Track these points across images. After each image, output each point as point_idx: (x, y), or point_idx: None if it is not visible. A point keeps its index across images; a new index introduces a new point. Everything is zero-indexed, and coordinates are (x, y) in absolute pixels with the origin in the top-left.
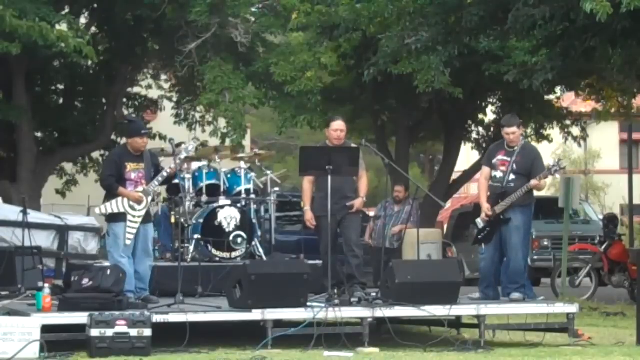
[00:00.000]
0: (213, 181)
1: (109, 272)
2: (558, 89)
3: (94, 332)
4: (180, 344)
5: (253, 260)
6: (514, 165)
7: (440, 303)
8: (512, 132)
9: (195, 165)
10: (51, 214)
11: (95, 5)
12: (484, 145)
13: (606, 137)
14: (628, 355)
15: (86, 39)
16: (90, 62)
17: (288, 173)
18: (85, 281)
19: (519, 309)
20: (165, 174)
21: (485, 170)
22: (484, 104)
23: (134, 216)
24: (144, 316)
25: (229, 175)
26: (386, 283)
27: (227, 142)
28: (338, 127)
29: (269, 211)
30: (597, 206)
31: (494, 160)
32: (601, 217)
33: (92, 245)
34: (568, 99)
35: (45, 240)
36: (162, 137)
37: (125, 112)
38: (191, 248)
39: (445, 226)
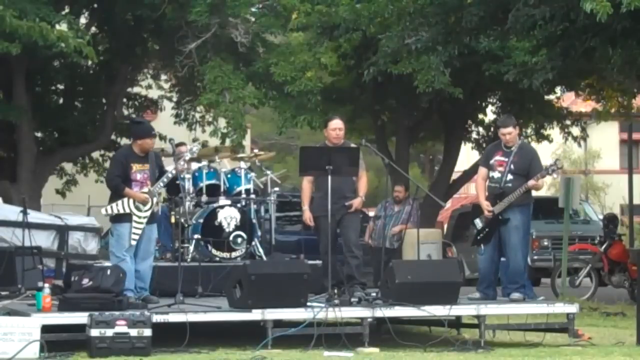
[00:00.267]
0: (213, 181)
1: (109, 272)
2: (558, 89)
3: (94, 332)
4: (180, 344)
5: (253, 260)
6: (512, 166)
7: (440, 303)
8: (508, 133)
9: (195, 165)
10: (51, 214)
11: (95, 5)
12: (484, 145)
13: (606, 137)
14: (628, 355)
15: (86, 39)
16: (90, 62)
17: (288, 173)
18: (85, 281)
19: (519, 309)
20: (170, 175)
21: (483, 171)
22: (484, 104)
23: (139, 217)
24: (144, 316)
25: (229, 175)
26: (386, 283)
27: (227, 142)
28: (336, 126)
29: (269, 211)
30: (597, 206)
31: (492, 161)
32: (601, 217)
33: (92, 245)
34: (568, 99)
35: (45, 240)
36: (162, 137)
37: (125, 112)
38: (191, 248)
39: (445, 226)
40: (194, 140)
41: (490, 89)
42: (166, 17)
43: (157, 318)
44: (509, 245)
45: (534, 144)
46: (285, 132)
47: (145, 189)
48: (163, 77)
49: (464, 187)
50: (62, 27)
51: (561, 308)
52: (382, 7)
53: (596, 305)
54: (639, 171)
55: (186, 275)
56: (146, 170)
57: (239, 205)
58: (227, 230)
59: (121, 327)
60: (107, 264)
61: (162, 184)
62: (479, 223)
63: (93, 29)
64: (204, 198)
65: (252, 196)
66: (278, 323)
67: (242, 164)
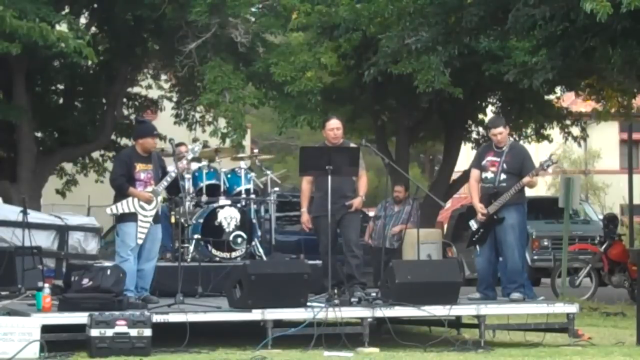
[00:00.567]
0: (213, 181)
1: (109, 272)
2: (558, 89)
3: (94, 332)
4: (180, 344)
5: (253, 260)
6: (504, 165)
7: (440, 303)
8: (499, 133)
9: (195, 165)
10: (51, 214)
11: (95, 5)
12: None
13: (606, 137)
14: (628, 355)
15: (86, 39)
16: (90, 62)
17: (288, 173)
18: (85, 281)
19: (519, 309)
20: (173, 174)
21: (475, 172)
22: (484, 104)
23: (145, 216)
24: (144, 316)
25: (229, 175)
26: (386, 283)
27: (227, 142)
28: (334, 126)
29: (269, 211)
30: (597, 206)
31: (484, 162)
32: (601, 217)
33: (92, 245)
34: (568, 99)
35: (45, 240)
36: (162, 137)
37: (125, 112)
38: (191, 248)
39: (445, 226)
40: (194, 140)
41: (490, 89)
42: (166, 17)
43: (157, 318)
44: (505, 244)
45: (534, 144)
46: (285, 132)
47: (149, 188)
48: (163, 77)
49: (464, 187)
50: (62, 27)
51: (561, 308)
52: (382, 7)
53: (596, 305)
54: (639, 171)
55: (186, 275)
56: (150, 170)
57: (239, 205)
58: (227, 230)
59: (121, 327)
60: (107, 264)
61: (165, 184)
62: (474, 224)
63: (93, 29)
64: (204, 198)
65: (252, 196)
66: (278, 323)
67: (242, 164)
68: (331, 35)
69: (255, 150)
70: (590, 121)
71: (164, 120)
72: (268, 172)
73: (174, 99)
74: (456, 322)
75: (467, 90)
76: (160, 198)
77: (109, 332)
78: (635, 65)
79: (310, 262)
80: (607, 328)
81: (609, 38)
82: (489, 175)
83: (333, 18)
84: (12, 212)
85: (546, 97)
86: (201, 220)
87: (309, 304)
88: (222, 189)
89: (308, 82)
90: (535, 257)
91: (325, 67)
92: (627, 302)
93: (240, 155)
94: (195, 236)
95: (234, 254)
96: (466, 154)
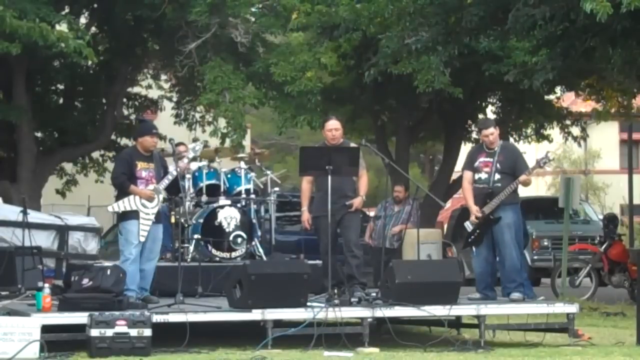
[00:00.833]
0: (213, 181)
1: (109, 272)
2: (558, 89)
3: (94, 332)
4: (180, 344)
5: (253, 260)
6: (498, 165)
7: (440, 303)
8: (491, 133)
9: (195, 165)
10: (51, 214)
11: (95, 5)
12: None
13: (606, 137)
14: (628, 355)
15: (86, 39)
16: (90, 62)
17: (288, 173)
18: (85, 281)
19: (519, 309)
20: (174, 173)
21: (468, 174)
22: (484, 104)
23: (147, 214)
24: (144, 316)
25: (229, 175)
26: (386, 283)
27: (227, 142)
28: (332, 127)
29: (269, 211)
30: (597, 206)
31: (476, 164)
32: (601, 217)
33: (92, 245)
34: (568, 99)
35: (45, 240)
36: (162, 137)
37: (125, 112)
38: (191, 248)
39: (445, 226)
40: (194, 140)
41: (490, 89)
42: (166, 17)
43: (157, 318)
44: (502, 243)
45: (534, 144)
46: (285, 132)
47: (151, 187)
48: (163, 77)
49: None
50: (62, 27)
51: (561, 308)
52: (382, 7)
53: (596, 305)
54: (639, 171)
55: (186, 275)
56: (151, 169)
57: (239, 205)
58: (227, 230)
59: (121, 327)
60: (107, 264)
61: (167, 182)
62: (469, 225)
63: (93, 29)
64: (204, 198)
65: (252, 196)
66: (278, 323)
67: (242, 164)
68: (331, 35)
69: (255, 149)
70: (590, 121)
71: (164, 120)
72: (268, 172)
73: (174, 99)
74: (456, 322)
75: (467, 90)
76: (161, 197)
77: (109, 332)
78: (635, 65)
79: (310, 262)
80: (607, 328)
81: (609, 38)
82: (483, 175)
83: (333, 18)
84: (12, 212)
85: (546, 97)
86: (201, 220)
87: (309, 304)
88: (222, 189)
89: (308, 82)
90: (535, 257)
91: (325, 67)
92: (627, 302)
93: (240, 155)
94: (195, 236)
95: (234, 254)
96: (466, 154)
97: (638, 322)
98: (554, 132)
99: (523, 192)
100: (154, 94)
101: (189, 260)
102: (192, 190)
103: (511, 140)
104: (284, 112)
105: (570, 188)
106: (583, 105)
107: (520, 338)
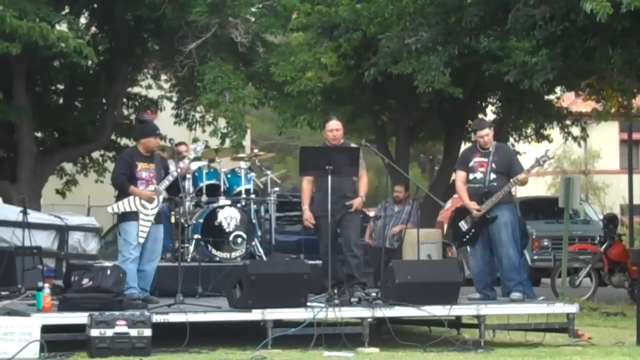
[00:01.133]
0: (213, 181)
1: (109, 272)
2: (558, 89)
3: (94, 332)
4: (180, 344)
5: (253, 260)
6: (493, 165)
7: (440, 303)
8: (486, 134)
9: (195, 165)
10: (51, 214)
11: (95, 5)
12: None
13: (606, 137)
14: (628, 355)
15: (86, 39)
16: (90, 62)
17: (288, 173)
18: (85, 281)
19: (519, 309)
20: (175, 173)
21: (462, 174)
22: (484, 104)
23: (146, 214)
24: (144, 316)
25: (229, 175)
26: (386, 283)
27: (227, 142)
28: (333, 127)
29: (269, 211)
30: (597, 206)
31: (471, 164)
32: (601, 217)
33: (92, 245)
34: (568, 99)
35: (45, 240)
36: (162, 137)
37: (125, 112)
38: (191, 248)
39: (445, 226)
40: (194, 140)
41: (490, 89)
42: (166, 17)
43: (157, 318)
44: (500, 242)
45: (534, 144)
46: (285, 132)
47: (151, 187)
48: (163, 77)
49: None
50: (62, 27)
51: (561, 308)
52: (382, 7)
53: (596, 305)
54: (639, 171)
55: (186, 275)
56: (152, 169)
57: (239, 205)
58: (227, 230)
59: (121, 327)
60: (107, 264)
61: (167, 182)
62: (464, 225)
63: (93, 29)
64: (204, 198)
65: (252, 196)
66: (278, 323)
67: (242, 164)
68: (331, 35)
69: (255, 150)
70: (590, 121)
71: (164, 120)
72: (268, 172)
73: (174, 99)
74: (456, 322)
75: (467, 90)
76: (162, 197)
77: (109, 332)
78: (635, 65)
79: (310, 262)
80: (607, 328)
81: (609, 38)
82: (478, 175)
83: (333, 18)
84: (12, 212)
85: (546, 97)
86: (201, 220)
87: (309, 304)
88: (222, 189)
89: (308, 82)
90: (535, 257)
91: (325, 67)
92: (627, 302)
93: (240, 155)
94: (195, 236)
95: (234, 254)
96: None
97: (638, 322)
98: (554, 132)
99: (523, 192)
100: (154, 94)
101: (189, 260)
102: (192, 190)
103: (511, 140)
104: (284, 112)
105: (570, 188)
106: (583, 105)
107: (520, 338)
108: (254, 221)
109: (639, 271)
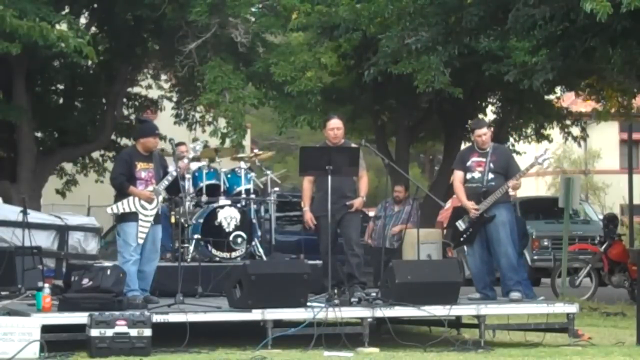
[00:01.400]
0: (213, 181)
1: (109, 272)
2: (558, 89)
3: (94, 332)
4: (180, 344)
5: (253, 260)
6: (491, 165)
7: (440, 303)
8: (484, 134)
9: (195, 165)
10: (51, 214)
11: (95, 5)
12: None
13: (606, 137)
14: (628, 355)
15: (86, 39)
16: (90, 62)
17: (288, 173)
18: (85, 281)
19: (519, 309)
20: (174, 173)
21: (459, 174)
22: (484, 104)
23: (145, 215)
24: (144, 316)
25: (229, 175)
26: (386, 283)
27: (227, 142)
28: (334, 126)
29: (269, 211)
30: (597, 206)
31: (469, 163)
32: (601, 217)
33: (92, 245)
34: (568, 99)
35: (45, 240)
36: (162, 137)
37: (125, 112)
38: (191, 248)
39: (445, 226)
40: (194, 140)
41: (490, 89)
42: (166, 17)
43: (157, 318)
44: (498, 241)
45: (534, 144)
46: (285, 132)
47: (150, 187)
48: (163, 77)
49: None
50: (62, 27)
51: (561, 308)
52: (382, 7)
53: (596, 305)
54: (639, 171)
55: (186, 275)
56: (151, 169)
57: (239, 205)
58: (227, 230)
59: (121, 327)
60: (107, 264)
61: (166, 183)
62: (461, 225)
63: (93, 29)
64: (204, 198)
65: (252, 196)
66: (278, 323)
67: (242, 164)
68: (331, 35)
69: (255, 150)
70: (590, 121)
71: (164, 120)
72: (268, 172)
73: (174, 99)
74: (456, 322)
75: (467, 90)
76: (160, 197)
77: (109, 332)
78: (635, 65)
79: (310, 262)
80: (607, 328)
81: (609, 38)
82: (476, 175)
83: (333, 18)
84: (12, 212)
85: (546, 97)
86: (201, 220)
87: (309, 304)
88: (222, 189)
89: (308, 82)
90: (535, 257)
91: (325, 67)
92: (627, 302)
93: (240, 155)
94: (195, 236)
95: (234, 254)
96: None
97: (638, 322)
98: (554, 132)
99: (523, 192)
100: (154, 94)
101: (189, 260)
102: (192, 190)
103: (511, 140)
104: (284, 112)
105: (570, 188)
106: (583, 105)
107: (520, 338)
108: (254, 221)
109: (639, 271)
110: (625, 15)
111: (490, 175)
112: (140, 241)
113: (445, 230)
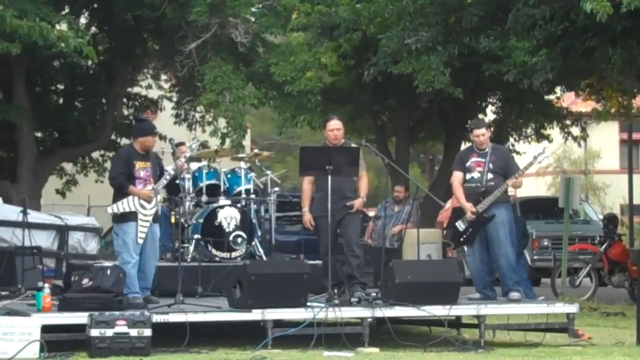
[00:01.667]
0: (213, 181)
1: (109, 272)
2: (558, 89)
3: (94, 332)
4: (180, 344)
5: (253, 260)
6: (490, 165)
7: (440, 303)
8: (482, 134)
9: (195, 165)
10: (51, 214)
11: (95, 5)
12: None
13: (606, 137)
14: (628, 355)
15: (86, 39)
16: (90, 62)
17: (288, 173)
18: (85, 281)
19: (519, 309)
20: (172, 172)
21: (458, 174)
22: (484, 104)
23: (145, 215)
24: (144, 316)
25: (229, 175)
26: (386, 283)
27: (227, 142)
28: (334, 127)
29: (269, 211)
30: (597, 206)
31: (468, 164)
32: (601, 217)
33: (92, 245)
34: (568, 99)
35: (45, 240)
36: (162, 137)
37: (125, 112)
38: (191, 248)
39: (445, 226)
40: (194, 139)
41: (490, 89)
42: (166, 17)
43: (157, 318)
44: (497, 240)
45: (534, 144)
46: (285, 132)
47: (149, 187)
48: (163, 77)
49: None
50: (62, 27)
51: (561, 308)
52: (382, 7)
53: (596, 305)
54: (639, 171)
55: (186, 275)
56: (148, 168)
57: (239, 205)
58: (227, 230)
59: (121, 327)
60: (107, 264)
61: (164, 182)
62: (461, 225)
63: (93, 29)
64: (204, 198)
65: (252, 196)
66: (278, 323)
67: (242, 164)
68: (331, 35)
69: (255, 150)
70: (590, 121)
71: (164, 120)
72: (268, 172)
73: (174, 99)
74: (456, 322)
75: (467, 90)
76: (159, 197)
77: (109, 332)
78: (635, 65)
79: (310, 262)
80: (607, 328)
81: (609, 38)
82: (476, 175)
83: (333, 18)
84: (12, 212)
85: (546, 97)
86: (201, 220)
87: (309, 304)
88: (222, 189)
89: (308, 82)
90: (535, 257)
91: (325, 67)
92: (627, 302)
93: (240, 155)
94: (195, 236)
95: (234, 254)
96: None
97: (638, 322)
98: (554, 132)
99: (523, 192)
100: (154, 94)
101: (189, 260)
102: (192, 190)
103: (511, 140)
104: (284, 112)
105: (570, 188)
106: (583, 105)
107: (520, 338)
108: (254, 221)
109: (639, 271)
110: (625, 15)
111: (490, 176)
112: (140, 241)
113: (445, 230)
